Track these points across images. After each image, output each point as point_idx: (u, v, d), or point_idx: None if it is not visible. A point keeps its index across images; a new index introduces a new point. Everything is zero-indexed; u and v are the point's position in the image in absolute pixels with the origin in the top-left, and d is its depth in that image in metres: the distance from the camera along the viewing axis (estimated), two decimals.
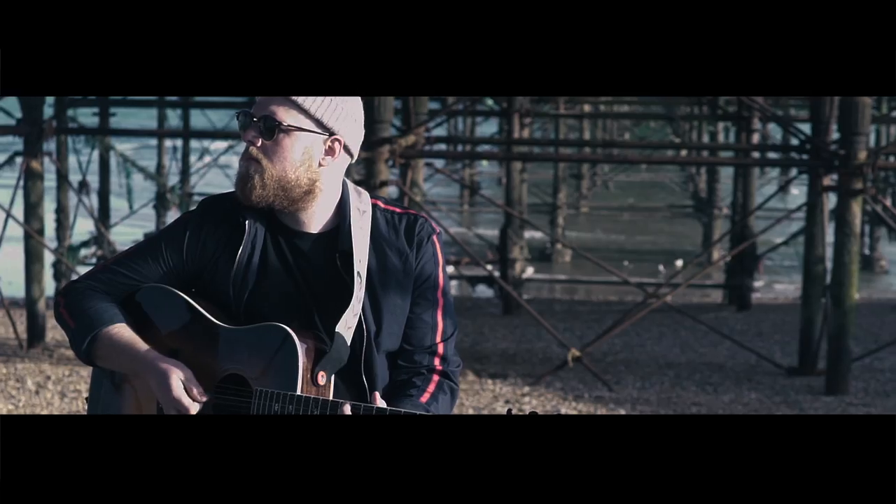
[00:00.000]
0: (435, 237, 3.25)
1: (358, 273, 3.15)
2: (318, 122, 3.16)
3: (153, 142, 23.07)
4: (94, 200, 15.47)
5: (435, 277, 3.23)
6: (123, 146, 18.96)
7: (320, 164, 3.17)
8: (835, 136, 10.37)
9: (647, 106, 21.62)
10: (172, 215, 19.86)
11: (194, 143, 20.75)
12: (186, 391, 3.11)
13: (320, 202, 3.19)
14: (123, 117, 17.21)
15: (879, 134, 21.09)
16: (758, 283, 16.76)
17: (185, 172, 19.54)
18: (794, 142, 11.28)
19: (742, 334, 12.49)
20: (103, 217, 15.61)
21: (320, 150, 3.17)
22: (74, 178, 14.89)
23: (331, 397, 3.11)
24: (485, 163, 27.94)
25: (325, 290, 3.17)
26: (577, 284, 17.84)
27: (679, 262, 18.40)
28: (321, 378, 3.11)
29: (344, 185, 3.25)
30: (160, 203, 18.45)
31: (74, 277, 12.77)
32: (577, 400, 9.46)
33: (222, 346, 3.15)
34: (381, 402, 3.11)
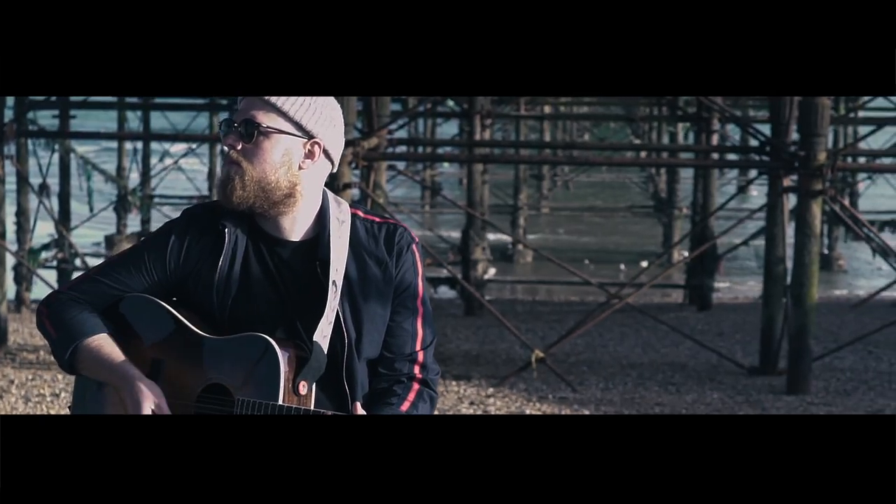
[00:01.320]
0: (414, 246, 3.28)
1: (333, 282, 3.17)
2: (298, 125, 3.19)
3: (114, 144, 22.97)
4: (54, 203, 15.40)
5: (415, 286, 3.27)
6: (84, 148, 18.90)
7: (300, 168, 3.20)
8: (794, 136, 10.45)
9: (606, 107, 21.72)
10: (133, 218, 19.81)
11: (154, 146, 20.69)
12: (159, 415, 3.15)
13: (301, 208, 3.22)
14: (83, 119, 17.14)
15: (837, 134, 21.25)
16: (723, 285, 16.85)
17: (145, 174, 19.49)
18: (755, 143, 11.36)
19: (703, 334, 12.56)
20: (64, 219, 15.54)
21: (300, 153, 3.20)
22: (35, 180, 14.83)
23: (312, 406, 3.14)
24: (446, 164, 27.98)
25: (305, 299, 3.20)
26: (539, 285, 17.90)
27: (644, 264, 18.50)
28: (302, 388, 3.14)
29: (324, 194, 3.28)
30: (121, 205, 18.40)
31: (33, 279, 12.59)
32: (541, 401, 9.49)
33: (205, 356, 3.16)
34: (361, 412, 3.14)
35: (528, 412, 9.12)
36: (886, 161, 14.79)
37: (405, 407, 3.22)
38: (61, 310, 3.23)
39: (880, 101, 18.39)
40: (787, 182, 10.53)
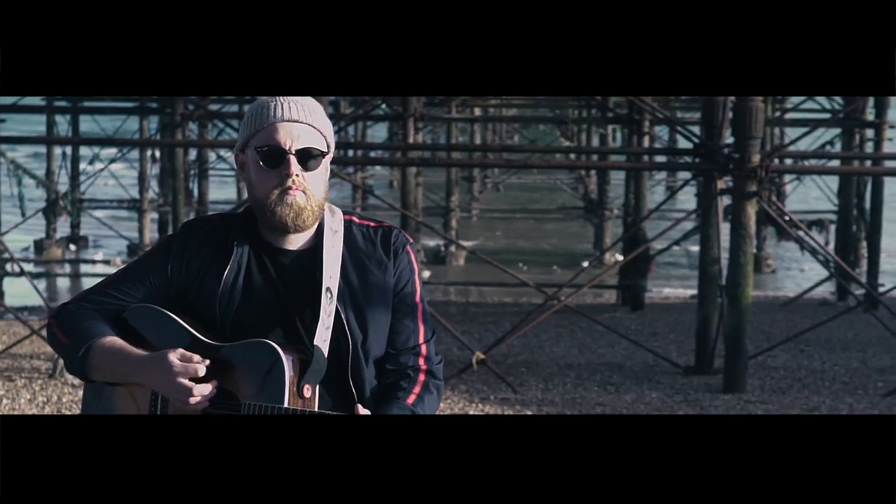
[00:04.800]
0: (409, 247, 3.41)
1: (328, 289, 3.27)
2: (328, 145, 3.33)
3: (42, 149, 22.74)
4: None
5: (412, 284, 3.39)
6: (13, 153, 18.72)
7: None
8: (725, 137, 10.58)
9: (535, 109, 21.81)
10: (62, 222, 19.63)
11: (84, 150, 20.54)
12: (188, 359, 3.17)
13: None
14: (12, 123, 16.99)
15: (765, 135, 21.49)
16: (667, 290, 16.99)
17: (74, 178, 19.35)
18: (688, 145, 11.48)
19: (637, 334, 12.67)
20: None
21: (328, 169, 3.35)
22: None
23: (316, 409, 3.22)
24: (378, 166, 27.99)
25: (305, 305, 3.29)
26: (472, 286, 17.96)
27: (585, 264, 18.63)
28: (307, 391, 3.22)
29: None
30: (50, 210, 18.25)
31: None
32: (484, 402, 9.56)
33: (211, 362, 3.21)
34: (364, 412, 3.22)
35: (471, 413, 9.18)
36: (817, 162, 15.01)
37: (411, 400, 3.32)
38: (72, 318, 3.31)
39: (807, 103, 18.65)
40: (721, 184, 10.65)
